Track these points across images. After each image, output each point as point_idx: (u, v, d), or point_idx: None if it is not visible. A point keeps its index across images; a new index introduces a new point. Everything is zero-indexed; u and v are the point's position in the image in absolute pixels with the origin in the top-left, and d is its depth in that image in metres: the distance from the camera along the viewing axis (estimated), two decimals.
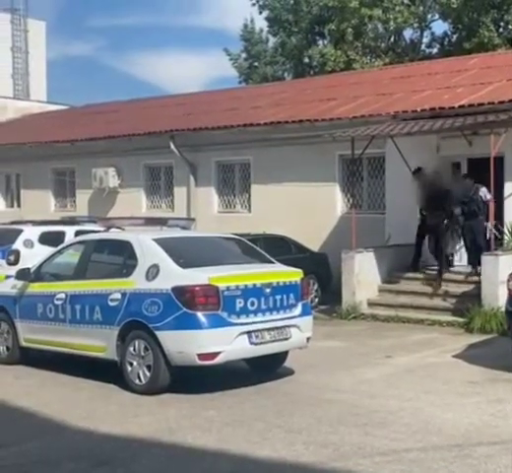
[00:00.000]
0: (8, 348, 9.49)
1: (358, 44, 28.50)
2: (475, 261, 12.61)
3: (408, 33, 30.54)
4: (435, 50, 30.34)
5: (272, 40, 33.46)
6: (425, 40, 30.72)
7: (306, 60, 31.24)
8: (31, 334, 9.22)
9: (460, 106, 13.58)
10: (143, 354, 7.81)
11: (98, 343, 8.26)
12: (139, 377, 7.83)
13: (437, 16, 29.36)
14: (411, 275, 13.45)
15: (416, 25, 29.46)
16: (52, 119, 26.72)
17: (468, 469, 5.35)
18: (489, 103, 13.11)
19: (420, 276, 13.36)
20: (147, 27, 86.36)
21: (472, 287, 12.35)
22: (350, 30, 27.86)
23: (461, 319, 11.73)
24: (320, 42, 31.29)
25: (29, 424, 6.84)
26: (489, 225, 12.19)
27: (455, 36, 29.41)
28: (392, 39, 30.46)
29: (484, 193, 12.70)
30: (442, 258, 13.15)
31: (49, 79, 34.72)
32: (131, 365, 7.91)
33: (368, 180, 16.03)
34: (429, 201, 13.12)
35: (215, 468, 5.55)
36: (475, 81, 15.72)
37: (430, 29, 30.49)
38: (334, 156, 15.89)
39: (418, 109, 14.22)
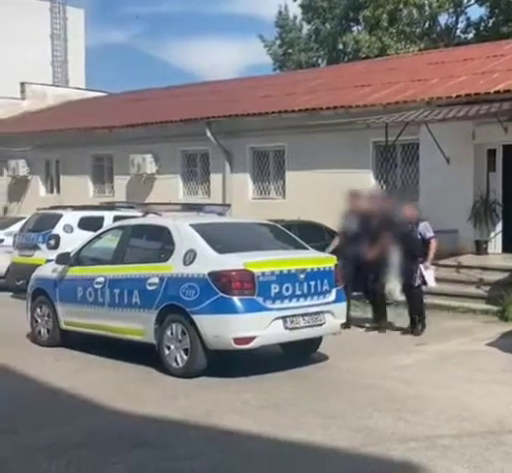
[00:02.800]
0: (49, 330, 9.64)
1: (393, 30, 28.29)
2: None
3: (443, 19, 30.35)
4: (471, 36, 30.05)
5: (306, 27, 33.47)
6: (461, 26, 30.47)
7: (340, 47, 31.12)
8: (70, 317, 9.37)
9: (496, 92, 13.48)
10: (180, 337, 7.92)
11: (137, 326, 8.38)
12: (176, 361, 7.93)
13: (473, 0, 29.00)
14: (444, 262, 13.41)
15: (451, 10, 29.19)
16: (91, 106, 27.02)
17: (502, 456, 5.39)
18: None
19: (455, 263, 13.31)
20: (183, 14, 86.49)
21: (506, 275, 12.29)
22: (384, 15, 27.68)
23: (495, 307, 11.68)
24: (354, 29, 31.14)
25: (69, 405, 6.97)
26: (422, 267, 10.27)
27: (491, 21, 29.04)
28: (427, 25, 30.17)
29: (424, 230, 10.44)
30: (420, 306, 10.67)
31: (87, 66, 35.04)
32: (169, 348, 8.01)
33: (402, 167, 15.98)
34: (366, 232, 10.42)
35: (250, 451, 5.62)
36: (511, 66, 15.55)
37: (466, 14, 30.25)
38: (368, 142, 15.87)
39: (454, 95, 14.12)
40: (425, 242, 10.40)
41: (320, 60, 33.11)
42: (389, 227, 10.30)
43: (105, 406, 6.83)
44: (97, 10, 75.08)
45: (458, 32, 30.54)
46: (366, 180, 16.02)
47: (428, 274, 10.45)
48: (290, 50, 33.14)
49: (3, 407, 6.89)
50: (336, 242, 11.01)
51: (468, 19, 30.32)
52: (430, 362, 8.62)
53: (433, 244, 10.42)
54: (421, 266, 10.29)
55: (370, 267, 10.36)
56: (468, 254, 13.53)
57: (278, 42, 34.04)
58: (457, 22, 30.29)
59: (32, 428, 6.18)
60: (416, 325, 10.38)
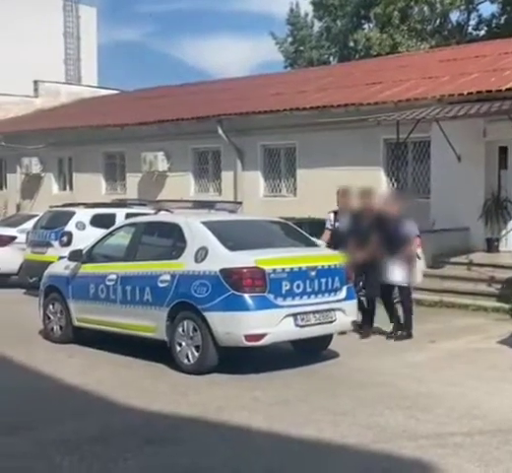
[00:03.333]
0: (61, 327, 9.69)
1: (404, 28, 28.23)
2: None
3: (454, 16, 30.25)
4: (482, 32, 29.93)
5: (317, 25, 33.43)
6: (472, 23, 30.36)
7: (351, 44, 31.08)
8: (83, 314, 9.42)
9: (507, 89, 13.44)
10: (191, 334, 7.96)
11: (148, 323, 8.42)
12: (188, 357, 7.97)
13: None
14: (456, 260, 13.41)
15: (462, 7, 29.07)
16: (103, 104, 27.16)
17: None
18: None
19: (466, 261, 13.31)
20: (194, 12, 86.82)
21: None
22: (396, 13, 27.63)
23: (506, 305, 11.66)
24: (366, 26, 31.08)
25: (82, 401, 7.03)
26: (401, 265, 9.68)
27: (503, 18, 28.93)
28: (438, 22, 30.09)
29: (410, 229, 9.90)
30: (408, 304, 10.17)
31: (100, 64, 35.22)
32: (180, 345, 8.05)
33: (413, 165, 15.97)
34: (355, 231, 9.99)
35: (261, 447, 5.66)
36: None
37: (477, 10, 30.13)
38: (379, 140, 15.87)
39: (465, 93, 14.08)
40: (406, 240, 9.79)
41: (331, 58, 33.08)
42: (378, 226, 9.85)
43: (118, 402, 6.89)
44: (110, 8, 75.51)
45: (469, 29, 30.50)
46: (377, 178, 16.02)
47: (414, 271, 10.00)
48: (302, 48, 33.14)
49: (19, 403, 6.96)
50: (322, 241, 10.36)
51: (479, 16, 30.27)
52: (441, 359, 8.62)
53: (416, 244, 9.92)
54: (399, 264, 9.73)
55: (358, 271, 9.59)
56: (479, 252, 13.51)
57: (289, 40, 34.04)
58: (468, 19, 30.24)
59: (47, 423, 6.25)
60: (403, 329, 9.88)
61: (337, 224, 10.49)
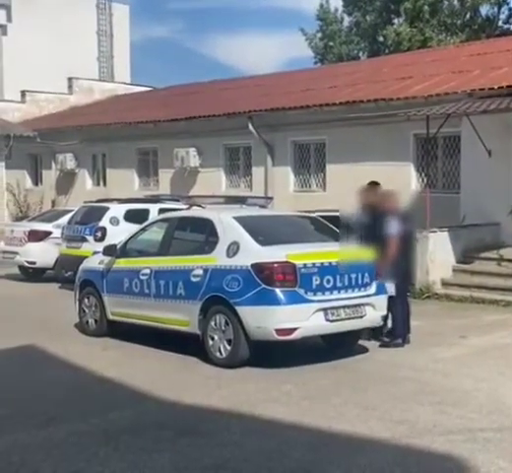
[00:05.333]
0: (96, 321, 9.83)
1: (434, 22, 28.04)
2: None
3: (484, 9, 29.96)
4: None
5: (347, 20, 33.29)
6: (503, 16, 30.04)
7: (381, 39, 30.94)
8: (117, 308, 9.55)
9: None
10: (223, 328, 8.05)
11: (181, 317, 8.53)
12: (220, 351, 8.07)
13: None
14: (486, 255, 13.36)
15: (493, 0, 28.76)
16: (136, 101, 27.38)
17: None
18: None
19: (496, 256, 13.26)
20: (224, 9, 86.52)
21: None
22: (425, 7, 27.45)
23: None
24: (395, 21, 30.92)
25: (116, 394, 7.14)
26: None
27: None
28: (468, 16, 29.83)
29: (390, 227, 9.02)
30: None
31: (132, 61, 35.47)
32: (212, 338, 8.15)
33: (443, 160, 15.92)
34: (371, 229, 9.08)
35: (292, 441, 5.69)
36: None
37: (508, 4, 29.94)
38: (409, 135, 15.83)
39: (496, 87, 13.99)
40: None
41: (361, 53, 32.96)
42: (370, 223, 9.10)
43: (151, 395, 6.98)
44: (142, 5, 75.60)
45: (500, 22, 30.16)
46: (407, 173, 16.02)
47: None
48: (331, 43, 33.02)
49: (55, 394, 7.11)
50: None
51: (510, 9, 30.00)
52: (471, 355, 8.61)
53: (393, 244, 8.94)
54: None
55: None
56: (510, 247, 13.44)
57: (319, 35, 33.94)
58: (499, 12, 29.93)
59: (83, 415, 6.37)
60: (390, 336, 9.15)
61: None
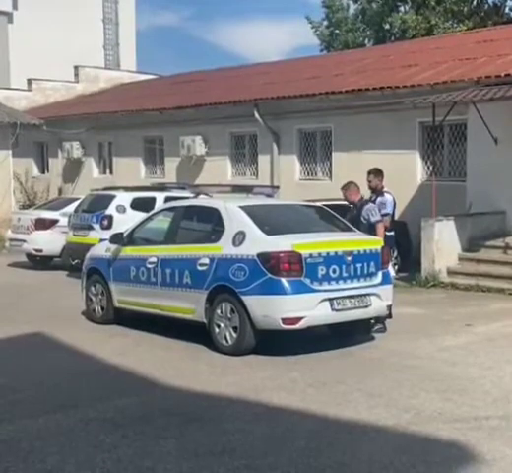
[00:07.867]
0: (103, 308, 9.89)
1: (440, 9, 27.83)
2: None
3: None
4: None
5: (353, 7, 33.05)
6: (510, 3, 29.83)
7: (387, 27, 30.74)
8: (123, 295, 9.60)
9: None
10: (229, 316, 8.09)
11: (188, 305, 8.58)
12: (226, 339, 8.12)
13: None
14: (492, 243, 13.35)
15: None
16: (142, 89, 27.37)
17: None
18: None
19: (502, 245, 13.26)
20: None
21: None
22: None
23: None
24: (401, 8, 30.72)
25: (123, 381, 7.20)
26: None
27: None
28: (475, 3, 29.57)
29: (369, 212, 9.59)
30: None
31: (138, 49, 35.31)
32: (218, 326, 8.19)
33: (449, 148, 15.87)
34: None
35: (298, 427, 5.73)
36: None
37: None
38: (415, 123, 15.77)
39: (502, 74, 13.90)
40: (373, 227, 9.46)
41: (367, 40, 32.76)
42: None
43: (157, 382, 7.04)
44: None
45: (506, 9, 29.90)
46: (413, 161, 15.98)
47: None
48: (337, 31, 32.82)
49: (63, 381, 7.17)
50: None
51: None
52: (477, 343, 8.64)
53: (379, 230, 9.49)
54: None
55: None
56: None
57: (324, 23, 33.75)
58: None
59: (90, 402, 6.42)
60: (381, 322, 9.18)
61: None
